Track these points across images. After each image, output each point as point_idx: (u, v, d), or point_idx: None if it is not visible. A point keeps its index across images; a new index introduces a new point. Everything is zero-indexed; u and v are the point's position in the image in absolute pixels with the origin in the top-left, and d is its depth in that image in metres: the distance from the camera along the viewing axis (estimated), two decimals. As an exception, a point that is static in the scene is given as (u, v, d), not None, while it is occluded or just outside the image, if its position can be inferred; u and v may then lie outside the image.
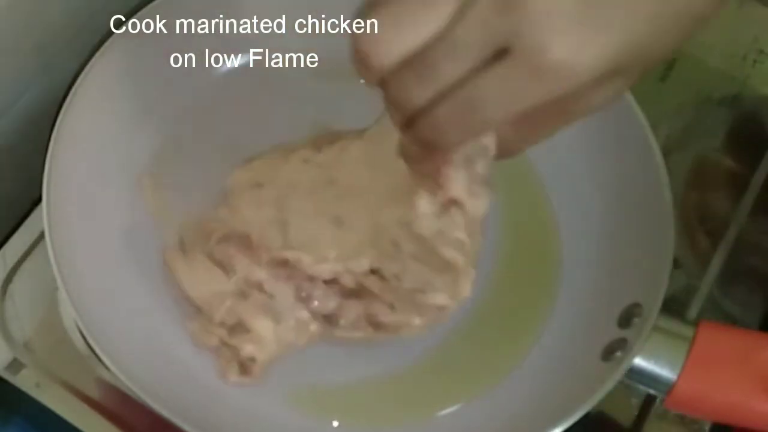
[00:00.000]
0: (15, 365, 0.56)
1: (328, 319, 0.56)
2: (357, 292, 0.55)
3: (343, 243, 0.55)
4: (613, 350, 0.51)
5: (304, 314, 0.55)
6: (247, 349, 0.54)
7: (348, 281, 0.55)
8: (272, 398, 0.55)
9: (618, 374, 0.50)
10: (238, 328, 0.54)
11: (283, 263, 0.55)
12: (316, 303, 0.55)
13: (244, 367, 0.54)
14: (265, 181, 0.58)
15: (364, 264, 0.54)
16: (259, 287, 0.55)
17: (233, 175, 0.59)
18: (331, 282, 0.55)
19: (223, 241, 0.56)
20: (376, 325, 0.55)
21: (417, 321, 0.54)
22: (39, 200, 0.60)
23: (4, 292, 0.58)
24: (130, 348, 0.52)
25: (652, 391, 0.51)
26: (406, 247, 0.51)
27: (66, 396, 0.55)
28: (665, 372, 0.50)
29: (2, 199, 0.60)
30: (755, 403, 0.49)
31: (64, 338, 0.56)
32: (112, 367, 0.49)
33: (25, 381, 0.55)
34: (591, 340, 0.53)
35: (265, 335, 0.54)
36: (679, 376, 0.49)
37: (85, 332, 0.50)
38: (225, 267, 0.56)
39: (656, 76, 0.69)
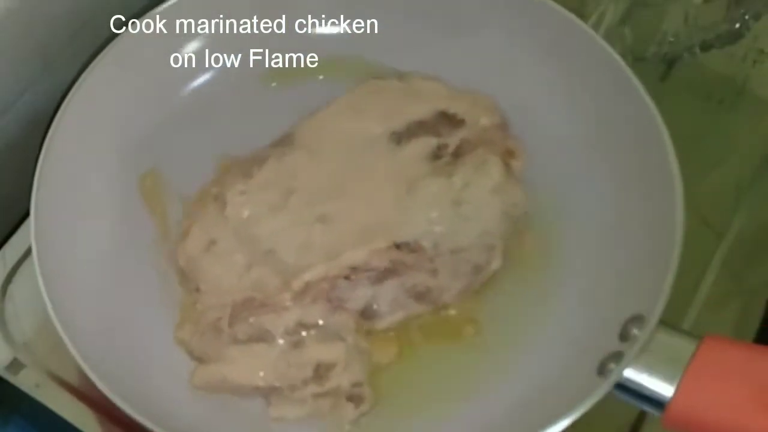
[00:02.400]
0: (15, 365, 0.56)
1: (364, 314, 0.54)
2: (393, 271, 0.54)
3: (342, 234, 0.55)
4: (609, 364, 0.50)
5: (348, 319, 0.54)
6: (345, 379, 0.53)
7: (381, 262, 0.54)
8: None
9: (606, 387, 0.48)
10: (320, 371, 0.53)
11: (306, 288, 0.54)
12: (349, 302, 0.54)
13: (355, 397, 0.53)
14: (215, 235, 0.56)
15: (385, 241, 0.54)
16: (303, 326, 0.54)
17: (179, 253, 0.56)
18: (355, 274, 0.54)
19: (234, 320, 0.54)
20: (418, 296, 0.55)
21: (456, 285, 0.55)
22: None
23: (4, 292, 0.58)
24: (115, 360, 0.52)
25: (648, 408, 0.48)
26: (445, 214, 0.55)
27: (65, 396, 0.55)
28: (661, 388, 0.48)
29: (2, 199, 0.60)
30: (757, 422, 0.46)
31: (63, 338, 0.56)
32: (98, 382, 0.49)
33: (25, 381, 0.56)
34: (588, 352, 0.52)
35: (344, 356, 0.53)
36: (675, 393, 0.47)
37: (67, 341, 0.50)
38: (260, 338, 0.53)
39: (656, 76, 0.70)
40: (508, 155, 0.58)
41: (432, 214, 0.55)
